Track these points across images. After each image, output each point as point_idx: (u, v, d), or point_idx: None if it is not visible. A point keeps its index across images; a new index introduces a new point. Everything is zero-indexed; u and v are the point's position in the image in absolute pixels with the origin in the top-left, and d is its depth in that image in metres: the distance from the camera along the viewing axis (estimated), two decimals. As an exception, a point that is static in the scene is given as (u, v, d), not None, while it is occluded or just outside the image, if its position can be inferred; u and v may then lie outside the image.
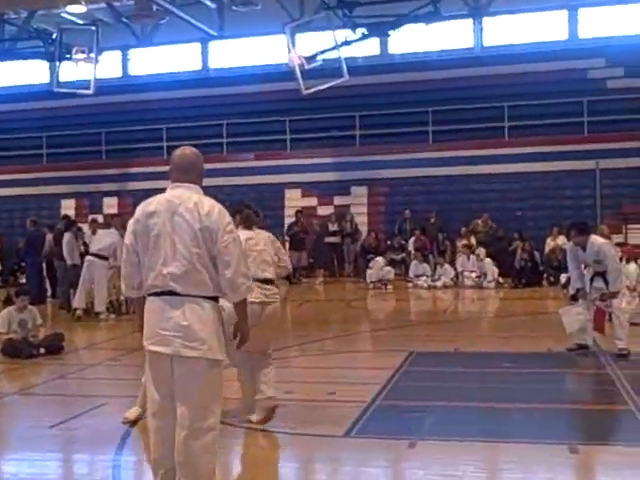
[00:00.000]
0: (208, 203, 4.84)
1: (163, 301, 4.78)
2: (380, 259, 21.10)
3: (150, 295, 4.87)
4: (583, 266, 10.49)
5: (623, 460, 6.04)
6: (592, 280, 10.29)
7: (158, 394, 4.83)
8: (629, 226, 21.63)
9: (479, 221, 22.21)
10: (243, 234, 6.70)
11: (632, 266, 14.95)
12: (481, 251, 20.71)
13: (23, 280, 18.85)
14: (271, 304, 7.02)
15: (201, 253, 4.76)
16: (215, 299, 4.87)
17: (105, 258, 14.55)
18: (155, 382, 4.85)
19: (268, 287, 7.03)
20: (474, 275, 20.37)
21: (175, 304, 4.75)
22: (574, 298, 11.20)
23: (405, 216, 23.37)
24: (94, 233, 16.26)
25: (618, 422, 7.37)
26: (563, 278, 17.62)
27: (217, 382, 4.85)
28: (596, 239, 10.27)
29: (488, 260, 20.43)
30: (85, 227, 18.16)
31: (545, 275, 20.23)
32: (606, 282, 10.07)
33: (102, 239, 15.05)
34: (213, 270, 4.80)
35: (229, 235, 4.78)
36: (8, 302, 13.48)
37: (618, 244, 15.54)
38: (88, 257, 15.07)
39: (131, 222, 4.97)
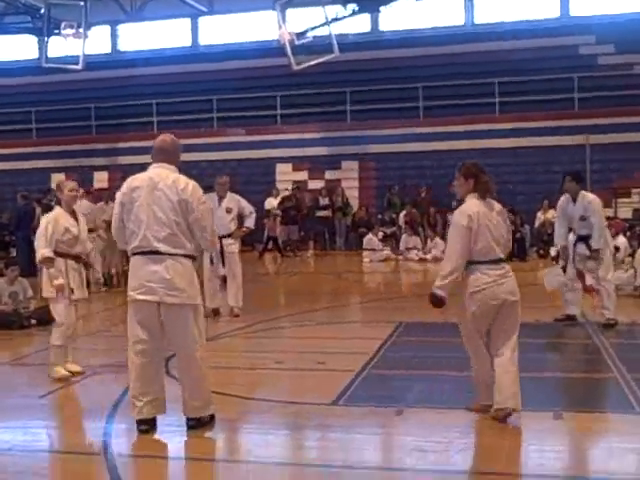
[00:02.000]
0: (184, 180, 5.93)
1: (148, 259, 5.84)
2: (371, 235, 21.29)
3: (135, 254, 5.92)
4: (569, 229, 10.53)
5: (607, 426, 6.14)
6: (575, 246, 10.34)
7: (145, 335, 5.85)
8: (618, 200, 21.75)
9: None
10: (474, 206, 6.02)
11: (621, 239, 14.94)
12: None
13: (14, 254, 18.79)
14: (508, 281, 6.12)
15: (179, 221, 5.83)
16: (191, 257, 5.96)
17: (91, 230, 14.44)
18: (142, 325, 5.87)
19: (500, 266, 6.11)
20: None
21: (158, 261, 5.81)
22: (556, 259, 11.25)
23: (392, 191, 23.45)
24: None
25: (603, 390, 7.47)
26: (553, 251, 17.65)
27: (198, 321, 5.97)
28: (587, 194, 10.28)
29: None
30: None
31: (535, 248, 20.34)
32: (589, 247, 10.12)
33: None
34: (189, 234, 5.89)
35: (203, 205, 5.95)
36: (-1, 275, 13.46)
37: (608, 218, 15.55)
38: None
39: (119, 194, 6.04)
